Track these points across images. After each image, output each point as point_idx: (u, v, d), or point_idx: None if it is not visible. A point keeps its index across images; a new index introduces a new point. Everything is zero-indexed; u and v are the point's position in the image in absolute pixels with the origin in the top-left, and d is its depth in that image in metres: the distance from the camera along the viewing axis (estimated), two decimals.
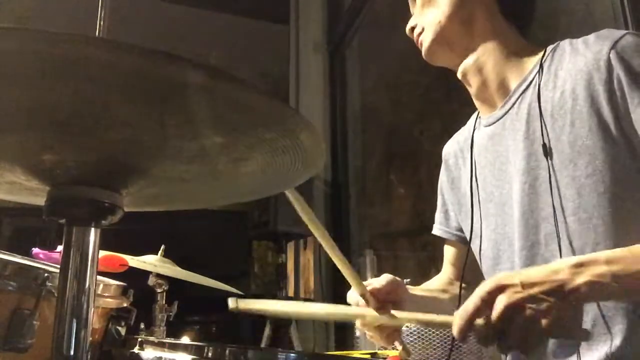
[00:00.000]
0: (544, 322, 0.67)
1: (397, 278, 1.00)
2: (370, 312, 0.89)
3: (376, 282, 0.97)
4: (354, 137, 3.51)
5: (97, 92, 0.45)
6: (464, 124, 1.21)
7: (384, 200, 3.23)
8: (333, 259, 0.85)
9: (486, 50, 1.00)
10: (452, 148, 1.19)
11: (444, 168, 1.21)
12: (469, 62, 1.02)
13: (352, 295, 0.95)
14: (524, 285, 0.68)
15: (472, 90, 1.06)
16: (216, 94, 0.46)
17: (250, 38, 4.14)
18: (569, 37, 0.97)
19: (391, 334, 0.97)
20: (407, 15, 1.09)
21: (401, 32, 1.11)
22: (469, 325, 0.69)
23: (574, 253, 0.86)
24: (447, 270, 1.23)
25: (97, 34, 1.58)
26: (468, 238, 1.07)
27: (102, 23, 1.59)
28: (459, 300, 1.04)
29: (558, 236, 0.87)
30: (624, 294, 0.76)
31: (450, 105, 2.36)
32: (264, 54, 4.21)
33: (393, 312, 0.88)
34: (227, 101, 0.47)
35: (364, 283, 0.95)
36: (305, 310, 0.94)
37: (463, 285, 1.17)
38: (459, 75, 1.06)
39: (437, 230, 1.23)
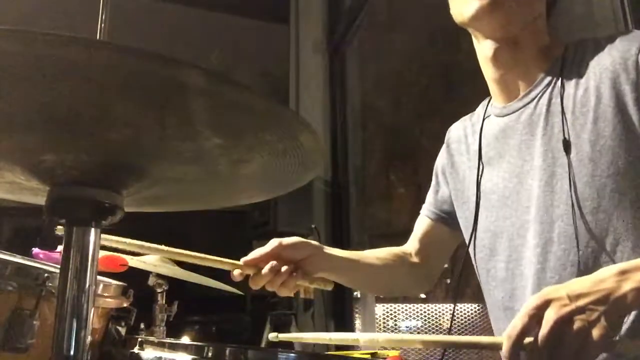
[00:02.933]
0: (594, 333, 0.65)
1: (290, 239, 1.02)
2: (408, 338, 0.89)
3: (255, 252, 1.00)
4: (354, 137, 3.51)
5: (98, 93, 0.46)
6: None
7: (384, 200, 3.23)
8: (195, 262, 0.89)
9: (528, 37, 0.97)
10: (458, 132, 1.18)
11: (445, 150, 1.19)
12: (509, 40, 0.97)
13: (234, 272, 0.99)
14: (571, 298, 0.67)
15: (495, 70, 1.01)
16: (216, 96, 0.46)
17: (250, 38, 4.14)
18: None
19: (288, 280, 0.99)
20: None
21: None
22: (519, 344, 0.67)
23: (591, 253, 0.86)
24: (410, 244, 1.23)
25: (98, 34, 1.58)
26: (469, 227, 1.06)
27: (102, 23, 1.59)
28: (455, 297, 1.04)
29: (577, 236, 0.86)
30: None
31: (450, 105, 2.36)
32: (264, 54, 4.21)
33: (433, 337, 0.87)
34: (227, 103, 0.47)
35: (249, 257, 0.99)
36: (348, 338, 0.93)
37: (418, 260, 1.20)
38: (488, 48, 0.99)
39: (425, 210, 1.23)
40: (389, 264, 1.18)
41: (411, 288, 1.33)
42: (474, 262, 1.08)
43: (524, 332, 0.67)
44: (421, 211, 1.24)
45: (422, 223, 1.23)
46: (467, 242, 1.08)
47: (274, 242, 1.01)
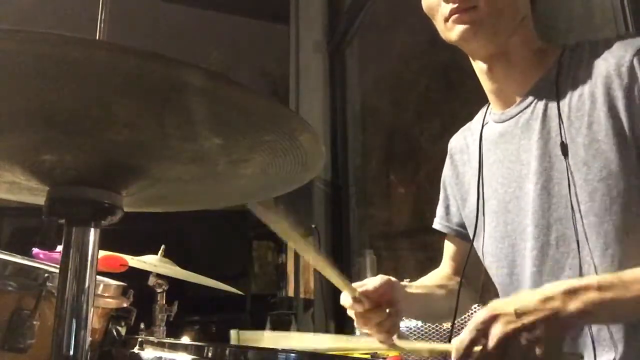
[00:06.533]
0: (537, 350, 0.68)
1: (392, 278, 1.01)
2: (376, 344, 0.90)
3: (370, 284, 0.97)
4: (354, 137, 3.51)
5: (97, 93, 0.46)
6: (464, 123, 1.20)
7: (384, 200, 3.23)
8: (318, 268, 0.87)
9: (518, 44, 0.97)
10: (459, 142, 1.18)
11: (449, 162, 1.20)
12: (500, 53, 0.96)
13: (345, 297, 0.96)
14: (518, 314, 0.70)
15: (491, 83, 1.02)
16: (216, 96, 0.46)
17: (250, 38, 4.14)
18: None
19: (390, 329, 0.97)
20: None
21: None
22: (466, 355, 0.71)
23: (584, 257, 0.86)
24: (446, 264, 1.24)
25: (97, 34, 1.58)
26: (471, 234, 1.07)
27: (102, 23, 1.59)
28: (458, 296, 1.04)
29: (577, 239, 0.87)
30: (613, 319, 0.80)
31: (450, 105, 2.36)
32: (264, 54, 4.22)
33: (396, 341, 0.91)
34: (227, 103, 0.47)
35: (357, 284, 0.96)
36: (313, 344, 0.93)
37: (463, 280, 1.18)
38: (482, 65, 0.99)
39: (437, 224, 1.23)
40: (450, 290, 1.16)
41: (466, 305, 1.31)
42: (487, 269, 1.08)
43: (471, 345, 0.70)
44: (434, 224, 1.24)
45: (448, 242, 1.23)
46: (472, 247, 1.08)
47: (383, 279, 0.98)
